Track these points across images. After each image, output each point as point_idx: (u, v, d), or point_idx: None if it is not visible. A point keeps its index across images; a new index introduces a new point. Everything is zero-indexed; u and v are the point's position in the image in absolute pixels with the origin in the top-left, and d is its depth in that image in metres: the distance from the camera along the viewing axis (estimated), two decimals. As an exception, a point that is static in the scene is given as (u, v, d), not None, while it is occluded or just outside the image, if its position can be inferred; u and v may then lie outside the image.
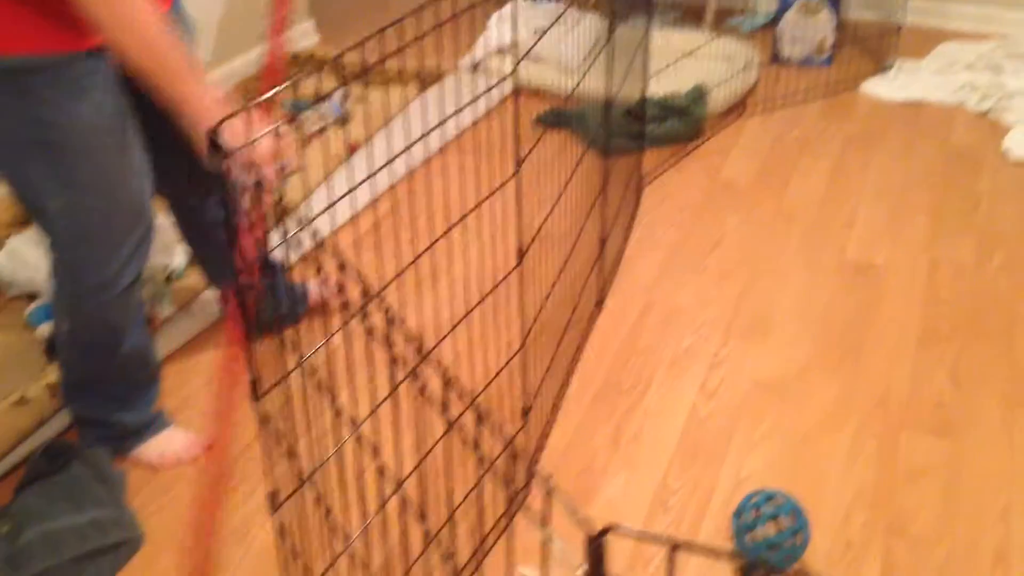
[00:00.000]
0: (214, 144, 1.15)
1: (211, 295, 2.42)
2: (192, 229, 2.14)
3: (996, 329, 2.35)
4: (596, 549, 0.69)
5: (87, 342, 1.87)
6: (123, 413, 1.98)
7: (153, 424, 2.02)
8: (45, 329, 2.22)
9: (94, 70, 1.64)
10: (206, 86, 1.64)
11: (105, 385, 1.95)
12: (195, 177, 2.01)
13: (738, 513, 1.78)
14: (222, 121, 1.18)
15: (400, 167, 2.89)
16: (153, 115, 1.86)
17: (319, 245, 0.99)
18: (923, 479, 1.94)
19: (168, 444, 2.02)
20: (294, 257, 2.50)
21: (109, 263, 1.78)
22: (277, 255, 2.16)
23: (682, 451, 2.02)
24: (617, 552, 1.80)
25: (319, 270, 0.91)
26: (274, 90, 1.15)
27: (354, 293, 2.28)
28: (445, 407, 0.86)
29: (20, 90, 1.58)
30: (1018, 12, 4.00)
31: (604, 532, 0.69)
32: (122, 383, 1.96)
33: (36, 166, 1.65)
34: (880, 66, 3.73)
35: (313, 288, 2.35)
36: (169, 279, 2.42)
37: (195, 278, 2.44)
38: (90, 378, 1.94)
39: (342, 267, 0.97)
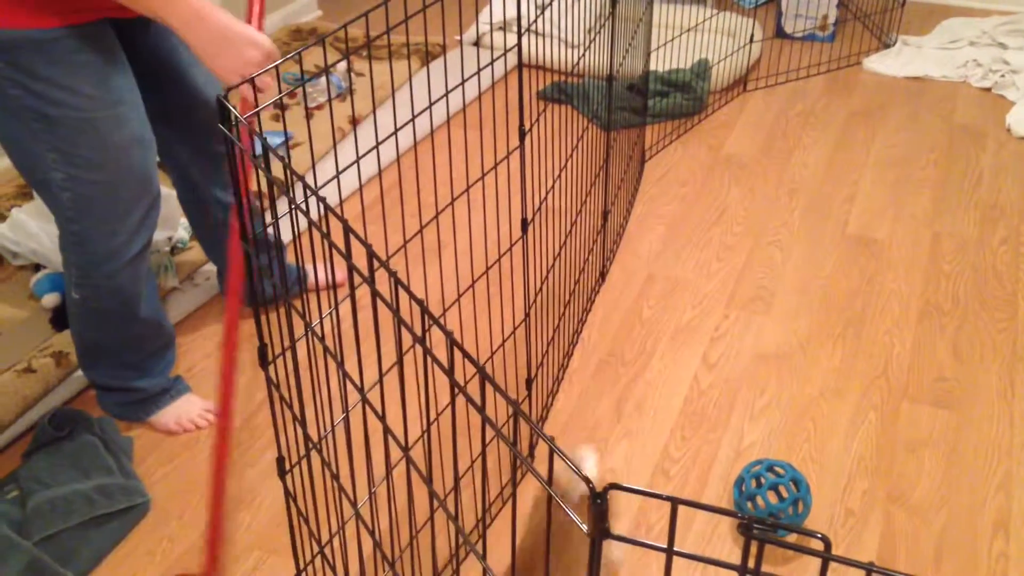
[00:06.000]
0: (223, 110, 1.16)
1: (212, 267, 2.43)
2: (193, 204, 2.13)
3: (997, 302, 2.36)
4: (599, 505, 0.70)
5: (100, 311, 1.87)
6: (140, 380, 2.00)
7: (171, 389, 2.04)
8: (50, 299, 2.23)
9: (87, 46, 1.63)
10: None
11: (120, 354, 1.96)
12: (199, 150, 2.01)
13: (739, 482, 1.79)
14: (230, 90, 1.18)
15: (403, 141, 2.89)
16: (156, 86, 1.85)
17: (325, 215, 1.00)
18: (923, 449, 1.96)
19: (185, 410, 2.04)
20: (297, 230, 2.50)
21: (117, 233, 1.78)
22: (279, 232, 2.16)
23: (684, 421, 2.04)
24: (620, 517, 1.82)
25: (329, 249, 0.92)
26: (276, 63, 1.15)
27: (360, 262, 2.28)
28: (451, 372, 0.87)
29: (17, 65, 1.58)
30: (1022, -12, 3.99)
31: (607, 489, 0.70)
32: (138, 351, 1.97)
33: (37, 140, 1.65)
34: (883, 42, 3.73)
35: (311, 271, 2.33)
36: (173, 250, 2.43)
37: (199, 249, 2.45)
38: (105, 348, 1.94)
39: (347, 233, 0.97)
